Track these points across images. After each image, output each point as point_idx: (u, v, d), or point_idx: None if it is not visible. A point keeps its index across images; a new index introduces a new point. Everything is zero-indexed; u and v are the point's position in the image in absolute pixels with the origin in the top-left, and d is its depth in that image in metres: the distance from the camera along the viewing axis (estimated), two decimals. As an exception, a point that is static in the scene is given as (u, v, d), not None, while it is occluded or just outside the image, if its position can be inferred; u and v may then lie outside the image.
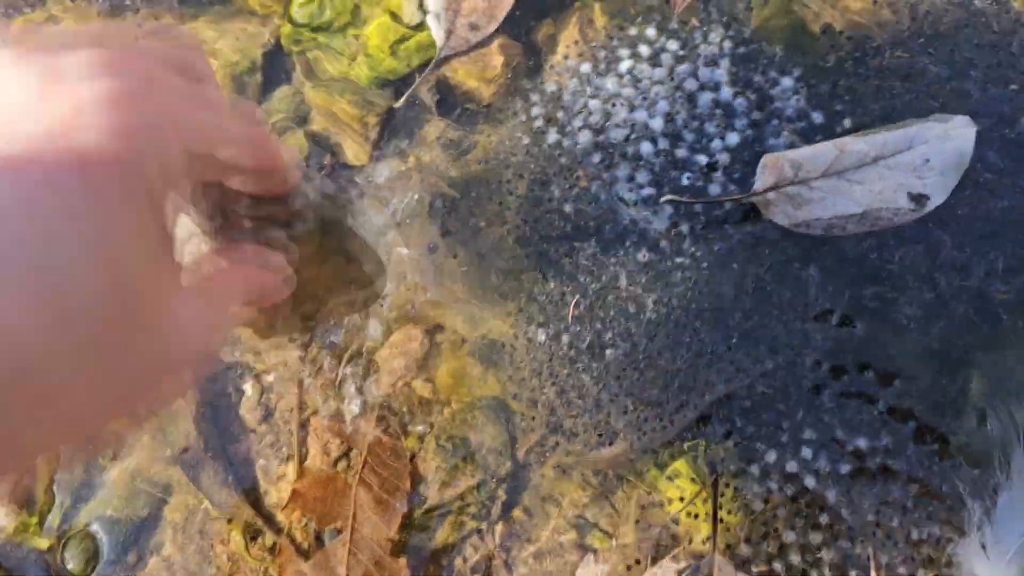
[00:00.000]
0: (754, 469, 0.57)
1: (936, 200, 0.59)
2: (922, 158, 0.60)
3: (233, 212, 0.37)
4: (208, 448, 0.63)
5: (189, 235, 0.35)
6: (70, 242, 0.22)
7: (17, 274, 0.21)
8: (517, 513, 0.60)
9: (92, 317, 0.23)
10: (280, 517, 0.61)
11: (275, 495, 0.62)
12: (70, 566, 0.62)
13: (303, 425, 0.63)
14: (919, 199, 0.59)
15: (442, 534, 0.60)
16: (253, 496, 0.62)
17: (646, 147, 0.63)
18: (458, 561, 0.59)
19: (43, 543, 0.62)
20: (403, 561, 0.58)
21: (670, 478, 0.58)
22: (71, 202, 0.22)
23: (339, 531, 0.60)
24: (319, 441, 0.63)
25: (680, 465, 0.58)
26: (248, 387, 0.64)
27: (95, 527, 0.62)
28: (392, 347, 0.63)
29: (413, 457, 0.61)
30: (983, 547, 0.53)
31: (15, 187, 0.21)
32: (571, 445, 0.60)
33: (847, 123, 0.62)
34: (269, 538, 0.61)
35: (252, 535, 0.61)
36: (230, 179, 0.33)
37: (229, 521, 0.62)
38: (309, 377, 0.63)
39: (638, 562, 0.57)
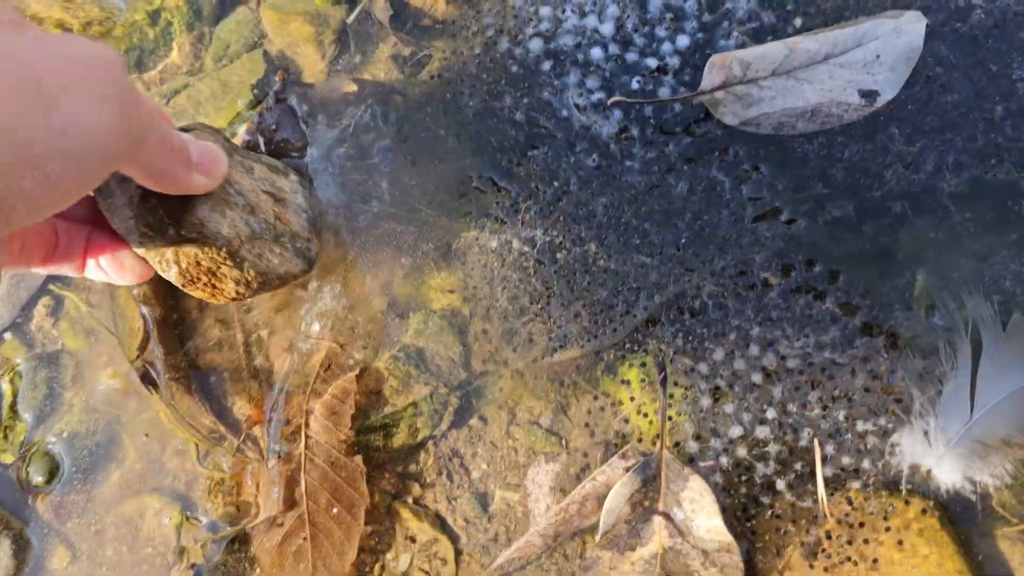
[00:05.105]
0: (702, 367, 0.57)
1: (886, 95, 0.59)
2: (873, 54, 0.59)
3: None
4: (169, 360, 0.63)
5: None
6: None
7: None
8: (472, 420, 0.60)
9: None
10: (242, 429, 0.62)
11: (238, 408, 0.63)
12: (34, 480, 0.63)
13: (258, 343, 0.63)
14: (869, 95, 0.59)
15: (395, 440, 0.60)
16: (217, 408, 0.63)
17: (596, 52, 0.63)
18: (411, 466, 0.60)
19: (8, 457, 0.63)
20: (359, 458, 0.59)
21: (621, 381, 0.59)
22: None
23: (295, 441, 0.61)
24: (279, 358, 0.63)
25: (630, 368, 0.59)
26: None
27: (55, 443, 0.63)
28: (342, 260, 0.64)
29: (363, 371, 0.61)
30: (926, 435, 0.53)
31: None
32: (524, 351, 0.60)
33: (798, 23, 0.61)
34: (228, 449, 0.62)
35: (210, 447, 0.62)
36: None
37: (188, 433, 0.62)
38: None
39: (588, 467, 0.58)
